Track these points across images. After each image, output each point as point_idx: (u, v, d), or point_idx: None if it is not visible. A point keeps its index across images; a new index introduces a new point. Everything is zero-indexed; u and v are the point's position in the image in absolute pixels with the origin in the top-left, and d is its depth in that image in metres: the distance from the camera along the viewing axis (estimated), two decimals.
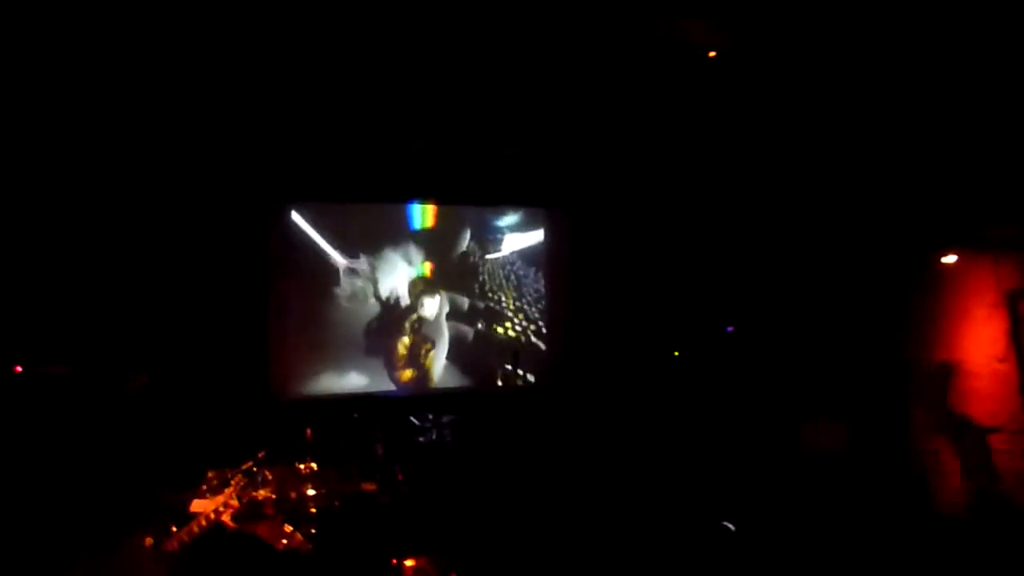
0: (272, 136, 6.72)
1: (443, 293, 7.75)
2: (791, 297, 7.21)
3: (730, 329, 7.79)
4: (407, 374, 7.56)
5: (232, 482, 4.03)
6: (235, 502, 3.85)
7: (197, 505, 3.82)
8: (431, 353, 7.66)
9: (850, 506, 5.94)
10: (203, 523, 3.70)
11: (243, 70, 5.83)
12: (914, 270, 6.26)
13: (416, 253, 7.70)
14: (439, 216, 7.81)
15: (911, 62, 5.45)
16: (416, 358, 7.61)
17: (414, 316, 7.62)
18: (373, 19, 5.21)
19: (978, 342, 5.66)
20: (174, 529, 3.68)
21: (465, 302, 7.84)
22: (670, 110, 6.81)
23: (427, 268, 7.71)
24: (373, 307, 7.49)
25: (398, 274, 7.61)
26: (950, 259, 5.92)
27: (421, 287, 7.67)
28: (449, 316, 7.77)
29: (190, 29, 5.14)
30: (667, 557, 5.29)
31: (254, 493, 4.13)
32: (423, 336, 7.65)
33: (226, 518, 3.84)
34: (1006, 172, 5.49)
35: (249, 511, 4.17)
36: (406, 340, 7.58)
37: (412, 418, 6.88)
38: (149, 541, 3.55)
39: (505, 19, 5.27)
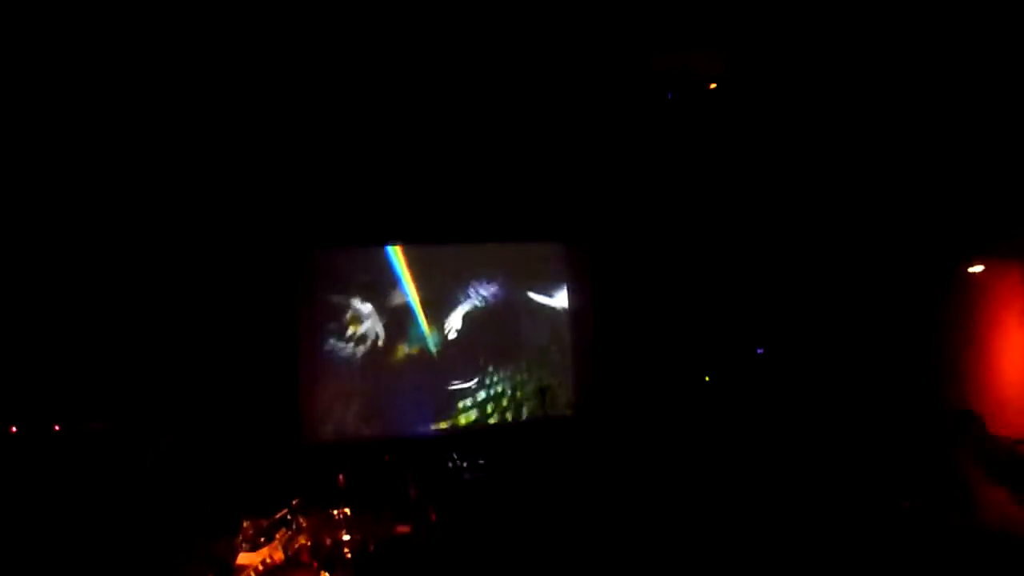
0: (292, 184, 6.89)
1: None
2: (820, 314, 7.13)
3: (760, 351, 7.71)
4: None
5: (277, 535, 4.09)
6: (280, 554, 3.90)
7: (243, 558, 3.87)
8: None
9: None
10: (252, 574, 3.75)
11: (261, 116, 6.02)
12: (943, 280, 6.18)
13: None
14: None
15: (934, 71, 5.43)
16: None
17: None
18: (383, 52, 5.36)
19: (1009, 350, 5.56)
20: None
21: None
22: (684, 135, 6.85)
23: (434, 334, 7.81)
24: (398, 350, 7.59)
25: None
26: (977, 268, 5.84)
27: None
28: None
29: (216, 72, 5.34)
30: None
31: (295, 543, 4.16)
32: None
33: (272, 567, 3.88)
34: None
35: (287, 560, 4.19)
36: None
37: (454, 457, 6.91)
38: None
39: (509, 57, 5.40)
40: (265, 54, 5.19)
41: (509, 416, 7.84)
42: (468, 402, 7.76)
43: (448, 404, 7.68)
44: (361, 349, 7.47)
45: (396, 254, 7.71)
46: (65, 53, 4.83)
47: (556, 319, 8.16)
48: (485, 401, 7.82)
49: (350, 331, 7.45)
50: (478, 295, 7.92)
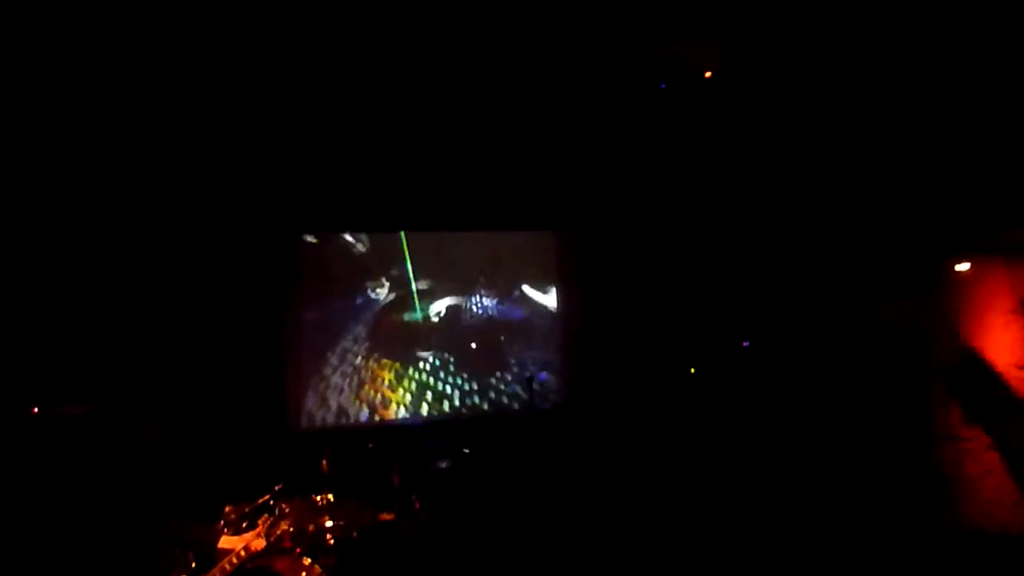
0: (282, 167, 6.81)
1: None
2: (806, 309, 7.16)
3: (746, 344, 7.74)
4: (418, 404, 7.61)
5: (259, 520, 4.06)
6: (261, 541, 3.88)
7: (226, 542, 3.84)
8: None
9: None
10: (234, 560, 3.72)
11: (254, 103, 5.96)
12: (929, 278, 6.20)
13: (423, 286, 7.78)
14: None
15: (921, 68, 5.45)
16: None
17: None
18: (379, 42, 5.32)
19: (996, 350, 5.59)
20: (194, 565, 3.69)
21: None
22: (678, 127, 6.84)
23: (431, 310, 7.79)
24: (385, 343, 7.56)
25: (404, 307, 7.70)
26: (963, 267, 5.86)
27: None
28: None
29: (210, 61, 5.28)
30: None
31: (277, 529, 4.12)
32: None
33: (254, 552, 3.86)
34: (1018, 176, 5.47)
35: (268, 547, 4.16)
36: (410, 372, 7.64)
37: (439, 446, 6.91)
38: None
39: (509, 47, 5.36)
40: (267, 45, 5.15)
41: (496, 406, 7.82)
42: (455, 390, 7.73)
43: (435, 391, 7.65)
44: (348, 335, 7.41)
45: (386, 241, 7.65)
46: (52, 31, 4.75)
47: (546, 309, 8.16)
48: (473, 390, 7.80)
49: (338, 316, 7.39)
50: (475, 289, 7.95)
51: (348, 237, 7.51)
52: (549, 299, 8.21)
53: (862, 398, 6.53)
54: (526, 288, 8.11)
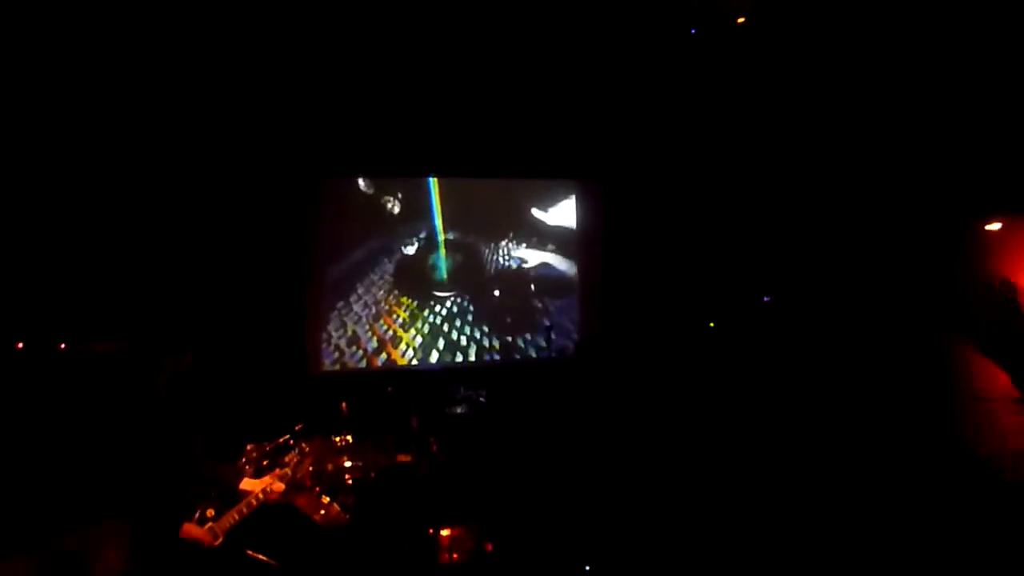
0: (307, 111, 6.79)
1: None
2: (829, 265, 7.07)
3: (767, 299, 7.68)
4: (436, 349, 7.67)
5: (284, 458, 4.16)
6: (280, 484, 3.98)
7: (246, 484, 3.94)
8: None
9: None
10: (254, 502, 3.83)
11: (279, 45, 5.90)
12: (958, 237, 6.08)
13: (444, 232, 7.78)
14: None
15: (954, 25, 5.28)
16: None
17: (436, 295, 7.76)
18: None
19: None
20: (217, 500, 3.79)
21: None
22: (706, 76, 6.69)
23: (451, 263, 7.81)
24: (406, 282, 7.60)
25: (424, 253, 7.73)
26: (994, 226, 5.73)
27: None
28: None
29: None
30: (696, 527, 5.29)
31: (299, 469, 4.22)
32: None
33: (274, 495, 3.97)
34: None
35: (289, 483, 4.27)
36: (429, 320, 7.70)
37: (458, 390, 6.99)
38: (211, 512, 3.69)
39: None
40: None
41: (514, 353, 7.88)
42: (474, 337, 7.79)
43: (455, 338, 7.71)
44: (372, 275, 7.47)
45: (416, 187, 7.66)
46: None
47: (568, 259, 8.16)
48: (490, 336, 7.86)
49: (364, 259, 7.45)
50: (502, 241, 7.96)
51: (374, 183, 7.53)
52: (571, 248, 8.18)
53: (886, 357, 6.47)
54: (535, 212, 8.08)
